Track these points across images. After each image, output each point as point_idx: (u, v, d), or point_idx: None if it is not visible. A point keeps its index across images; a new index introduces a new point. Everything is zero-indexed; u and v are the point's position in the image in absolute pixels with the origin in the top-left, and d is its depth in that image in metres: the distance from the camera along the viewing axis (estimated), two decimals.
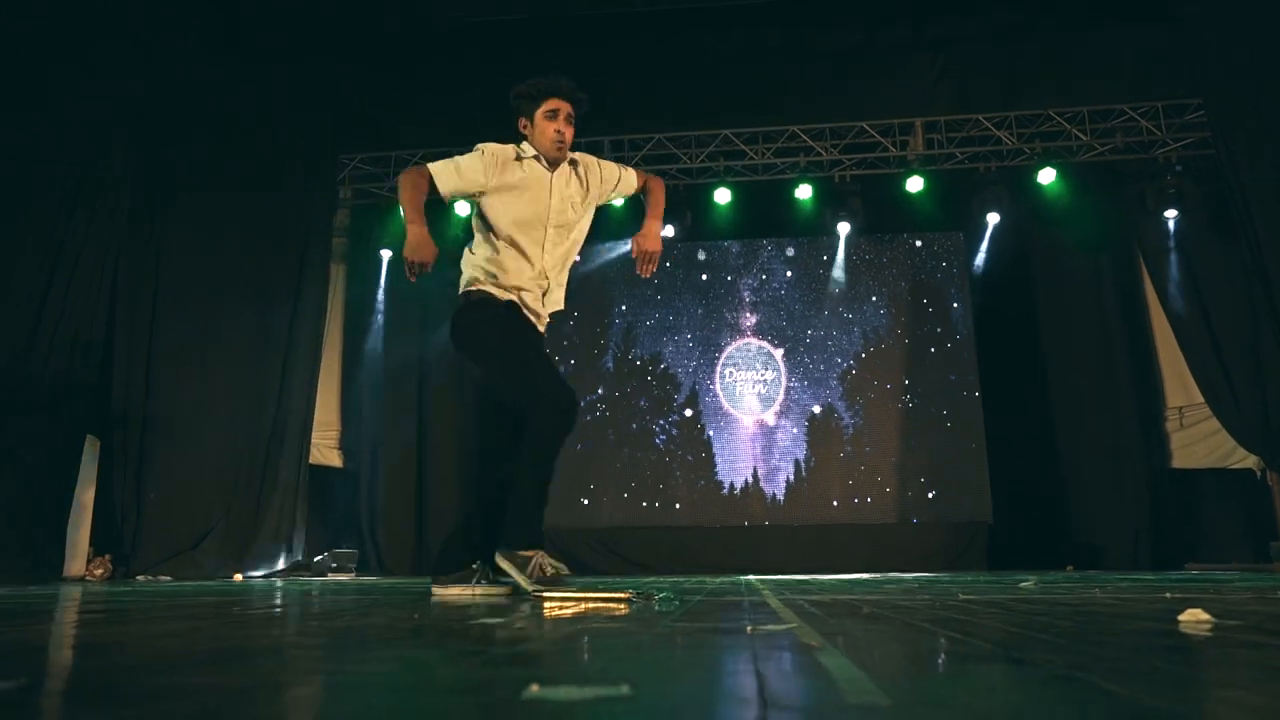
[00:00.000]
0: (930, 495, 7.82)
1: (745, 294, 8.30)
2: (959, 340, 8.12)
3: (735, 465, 7.99)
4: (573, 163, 3.01)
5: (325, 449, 8.31)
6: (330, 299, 7.98)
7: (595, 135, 7.74)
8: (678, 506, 7.94)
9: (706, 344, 8.25)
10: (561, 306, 3.04)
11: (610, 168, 3.13)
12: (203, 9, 6.69)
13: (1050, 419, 8.11)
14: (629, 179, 3.13)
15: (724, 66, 7.56)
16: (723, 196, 7.65)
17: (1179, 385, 7.91)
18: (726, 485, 7.96)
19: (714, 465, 7.99)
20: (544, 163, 2.91)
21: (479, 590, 2.89)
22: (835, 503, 7.86)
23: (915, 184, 7.45)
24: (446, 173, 2.85)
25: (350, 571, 7.08)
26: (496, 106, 7.67)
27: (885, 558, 7.60)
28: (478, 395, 8.64)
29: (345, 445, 8.42)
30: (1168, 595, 2.56)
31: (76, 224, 6.23)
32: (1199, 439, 7.89)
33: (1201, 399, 7.59)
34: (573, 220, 2.99)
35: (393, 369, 8.43)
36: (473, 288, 2.89)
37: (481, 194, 2.88)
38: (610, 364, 8.29)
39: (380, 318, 8.48)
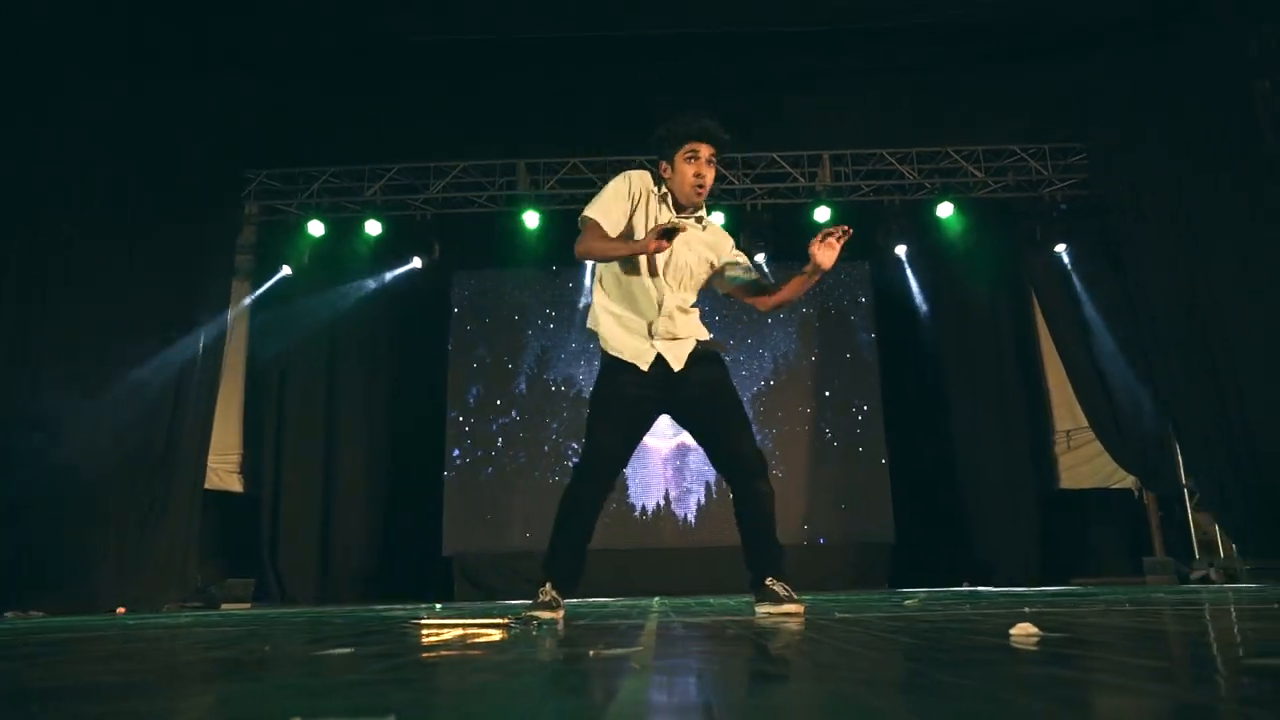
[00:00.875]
0: (835, 517, 8.01)
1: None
2: (864, 366, 8.38)
3: (647, 488, 8.03)
4: (703, 222, 2.87)
5: (224, 473, 7.99)
6: (232, 318, 7.72)
7: (510, 158, 7.76)
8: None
9: None
10: (679, 349, 2.80)
11: (726, 238, 3.00)
12: (102, 26, 6.42)
13: (949, 442, 8.44)
14: (742, 263, 2.98)
15: (639, 95, 7.66)
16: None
17: (1067, 410, 8.34)
18: (638, 508, 7.98)
19: (626, 488, 8.01)
20: (669, 206, 2.79)
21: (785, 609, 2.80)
22: None
23: (823, 214, 7.69)
24: (602, 210, 2.70)
25: (246, 601, 6.79)
26: (409, 124, 7.64)
27: (793, 577, 7.71)
28: (386, 419, 8.49)
29: (247, 470, 8.11)
30: (1026, 610, 2.69)
31: None
32: (1084, 461, 8.32)
33: (1087, 423, 8.03)
34: (692, 281, 2.84)
35: (299, 391, 8.19)
36: (603, 345, 2.80)
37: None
38: (523, 386, 8.25)
39: (286, 338, 8.23)
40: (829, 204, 7.70)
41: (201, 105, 6.85)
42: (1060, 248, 7.81)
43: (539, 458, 8.08)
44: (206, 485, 7.49)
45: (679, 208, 2.81)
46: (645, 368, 2.72)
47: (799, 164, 7.74)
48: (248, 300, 8.11)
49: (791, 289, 2.91)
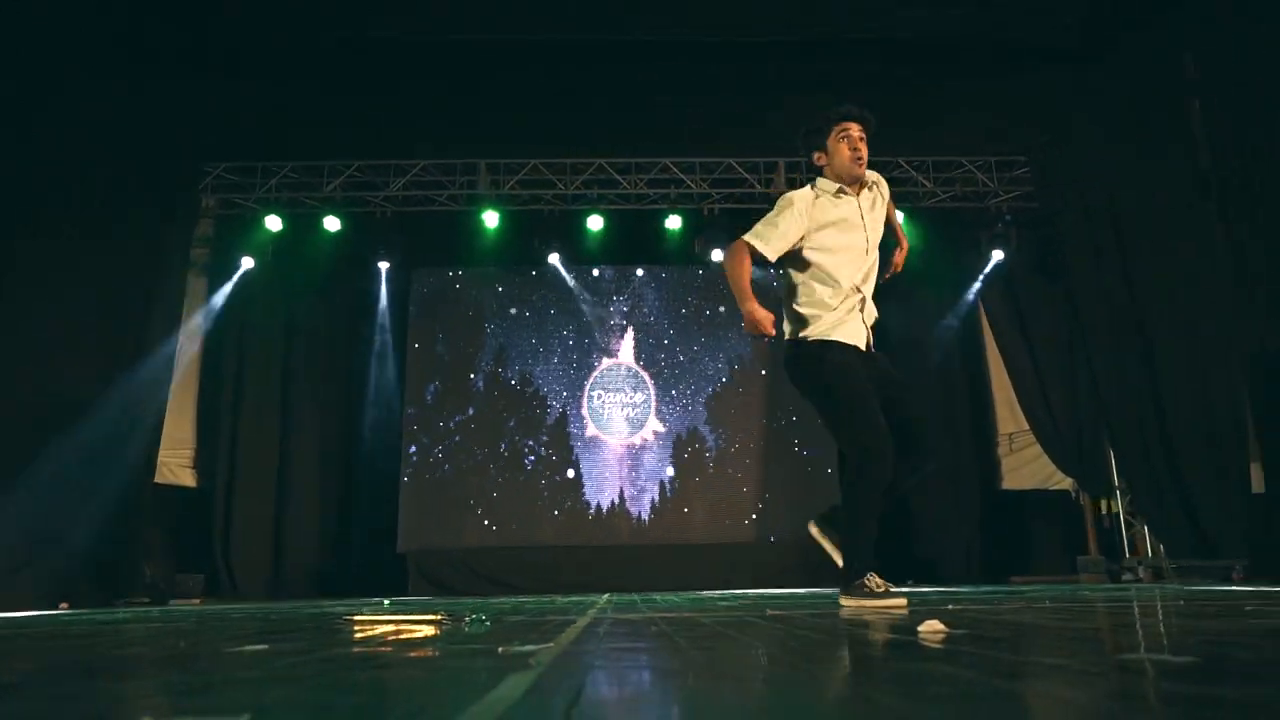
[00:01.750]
0: (786, 515, 8.08)
1: (616, 318, 8.40)
2: None
3: (602, 486, 8.03)
4: (869, 185, 3.04)
5: (177, 468, 7.83)
6: (187, 311, 7.57)
7: (472, 157, 7.71)
8: (544, 527, 7.90)
9: (577, 366, 8.29)
10: (876, 314, 3.05)
11: (883, 183, 3.14)
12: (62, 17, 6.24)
13: None
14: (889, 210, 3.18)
15: (600, 99, 7.66)
16: (595, 223, 7.76)
17: (1009, 413, 8.52)
18: (593, 506, 7.99)
19: (581, 486, 8.00)
20: (849, 193, 2.94)
21: (878, 604, 2.87)
22: (698, 523, 8.02)
23: None
24: (768, 236, 2.86)
25: (197, 597, 6.66)
26: (370, 122, 7.55)
27: (745, 575, 7.79)
28: (342, 415, 8.38)
29: (200, 464, 7.96)
30: (950, 608, 2.74)
31: None
32: (1025, 463, 8.51)
33: (1028, 426, 8.20)
34: (875, 243, 3.02)
35: (255, 386, 8.05)
36: (801, 335, 2.94)
37: (801, 243, 2.89)
38: (481, 384, 8.20)
39: (243, 332, 8.09)
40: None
41: (158, 97, 6.70)
42: (1004, 256, 7.98)
43: (496, 455, 8.04)
44: (158, 479, 7.33)
45: (843, 186, 2.95)
46: (863, 348, 2.92)
47: (755, 170, 7.81)
48: (215, 294, 7.97)
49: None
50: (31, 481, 6.12)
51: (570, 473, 8.04)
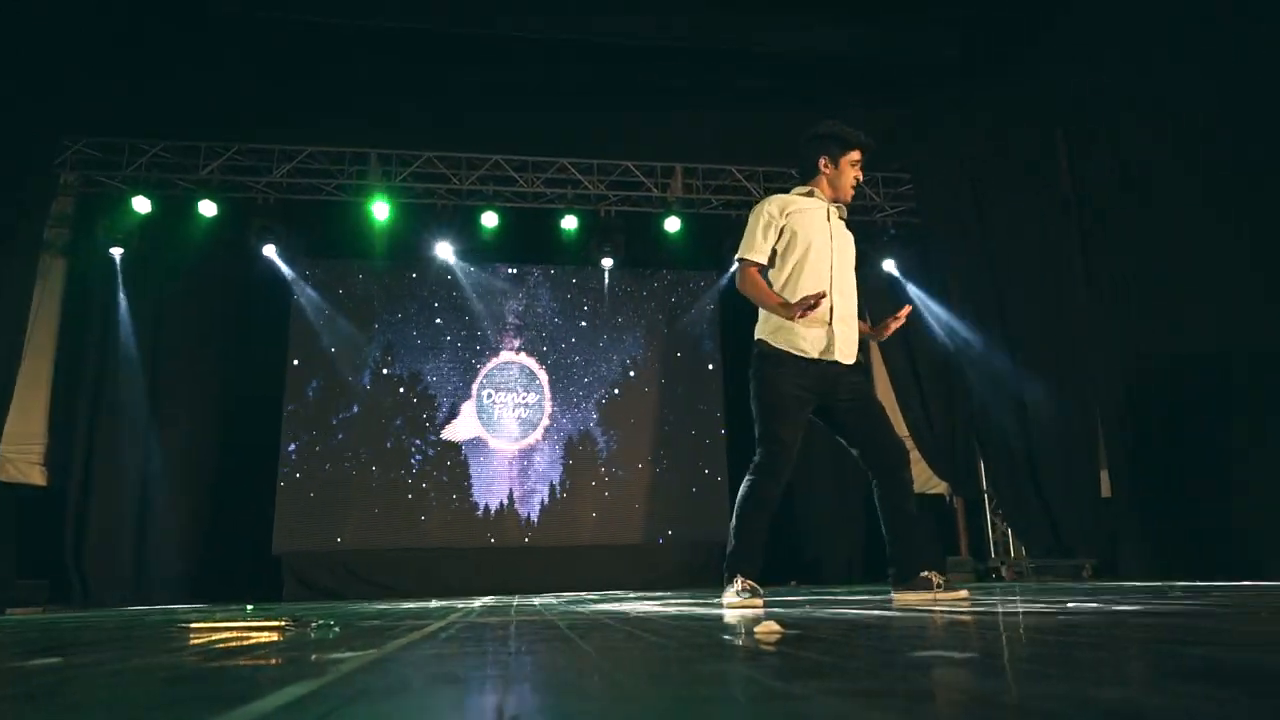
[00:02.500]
0: (676, 516, 8.18)
1: (510, 318, 8.30)
2: (708, 372, 8.61)
3: (491, 487, 7.92)
4: (843, 219, 3.16)
5: (24, 465, 7.23)
6: (40, 296, 7.02)
7: (364, 146, 7.47)
8: (429, 528, 7.72)
9: (469, 365, 8.15)
10: (853, 355, 3.08)
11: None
12: None
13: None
14: None
15: (500, 95, 7.56)
16: (490, 220, 7.64)
17: (892, 420, 8.87)
18: (481, 507, 7.86)
19: (469, 486, 7.86)
20: (820, 199, 3.06)
21: (940, 596, 2.96)
22: (588, 524, 8.01)
23: (673, 224, 7.85)
24: (754, 245, 2.98)
25: (39, 605, 6.16)
26: (250, 104, 7.18)
27: (632, 576, 7.82)
28: (217, 411, 7.95)
29: (52, 461, 7.37)
30: (807, 608, 2.82)
31: None
32: None
33: (908, 433, 8.56)
34: (849, 263, 3.09)
35: (118, 378, 7.52)
36: (758, 336, 3.02)
37: (778, 243, 2.99)
38: (366, 381, 7.94)
39: (106, 320, 7.55)
40: (679, 215, 7.87)
41: (6, 60, 6.19)
42: (889, 267, 8.31)
43: (381, 454, 7.80)
44: (3, 478, 6.77)
45: (816, 191, 3.08)
46: (815, 354, 2.95)
47: (652, 174, 7.87)
48: (75, 278, 7.42)
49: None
50: None
51: (458, 472, 7.89)
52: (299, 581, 7.39)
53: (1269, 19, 4.53)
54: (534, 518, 7.92)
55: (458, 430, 7.98)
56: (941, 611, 2.34)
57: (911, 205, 8.08)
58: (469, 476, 7.90)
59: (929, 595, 2.98)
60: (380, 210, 7.36)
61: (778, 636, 1.64)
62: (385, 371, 7.98)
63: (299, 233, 7.65)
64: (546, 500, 7.98)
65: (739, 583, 2.98)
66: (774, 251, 3.01)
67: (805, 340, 2.94)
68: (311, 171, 7.42)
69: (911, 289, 8.37)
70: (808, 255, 2.97)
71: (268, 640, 2.02)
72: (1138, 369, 5.74)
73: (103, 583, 7.14)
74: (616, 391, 8.36)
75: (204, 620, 2.85)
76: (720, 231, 8.23)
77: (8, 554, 6.90)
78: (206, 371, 7.86)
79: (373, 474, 7.74)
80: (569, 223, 7.80)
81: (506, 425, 8.09)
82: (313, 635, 2.14)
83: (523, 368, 8.25)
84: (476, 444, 7.98)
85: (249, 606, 4.74)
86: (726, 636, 1.71)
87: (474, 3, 6.70)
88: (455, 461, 7.91)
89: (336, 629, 2.37)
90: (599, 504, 8.07)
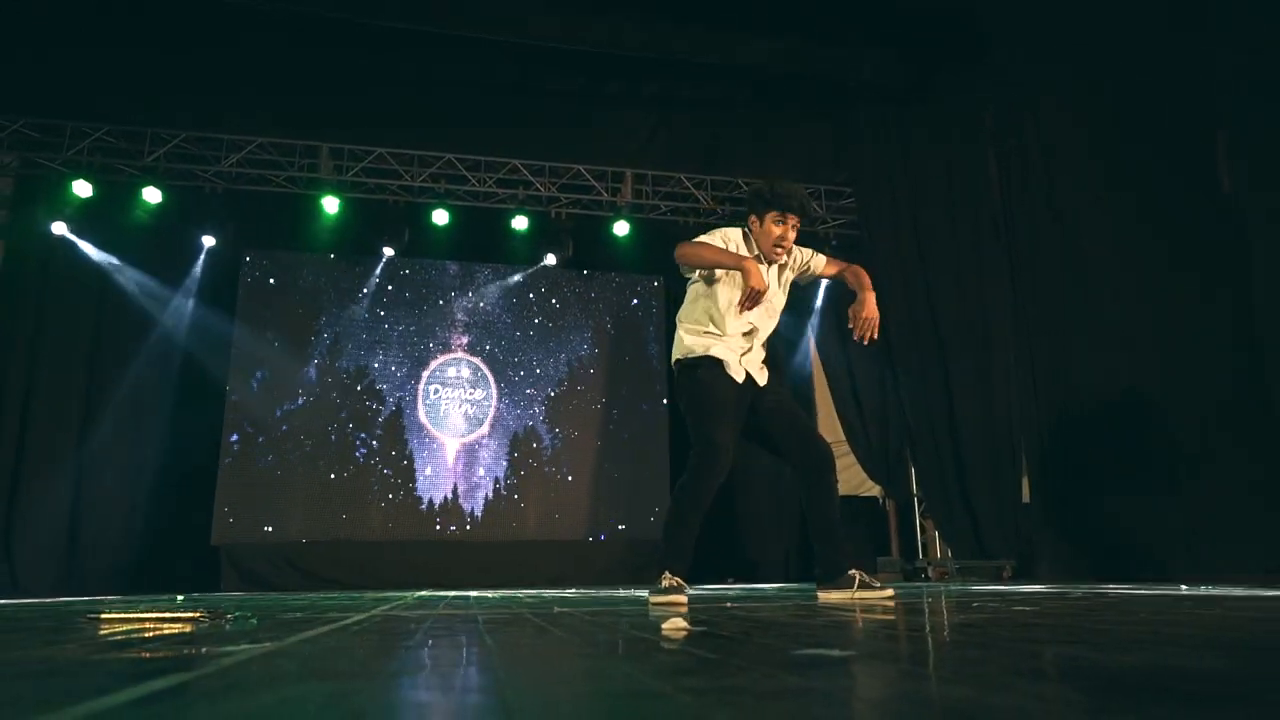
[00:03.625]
0: (618, 514, 8.17)
1: (459, 314, 8.20)
2: (652, 373, 8.63)
3: (436, 481, 7.81)
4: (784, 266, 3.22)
5: None
6: None
7: (314, 140, 7.31)
8: (372, 521, 7.58)
9: (416, 361, 8.03)
10: (762, 368, 3.14)
11: (803, 251, 3.28)
12: None
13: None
14: (819, 262, 3.30)
15: (454, 93, 7.47)
16: (441, 217, 7.54)
17: (829, 425, 8.99)
18: (425, 501, 7.75)
19: (414, 480, 7.75)
20: (763, 259, 3.12)
21: (863, 595, 2.96)
22: (531, 520, 7.95)
23: (622, 228, 7.85)
24: (704, 239, 3.06)
25: None
26: (198, 92, 6.96)
27: (573, 572, 7.80)
28: (156, 399, 7.69)
29: None
30: (728, 605, 2.84)
31: None
32: (841, 470, 8.89)
33: (845, 438, 8.69)
34: (777, 306, 3.19)
35: (53, 363, 7.23)
36: (678, 358, 3.10)
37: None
38: (313, 374, 7.77)
39: (45, 303, 7.24)
40: (628, 219, 7.87)
41: None
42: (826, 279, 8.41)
43: (324, 447, 7.64)
44: None
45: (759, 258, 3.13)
46: (741, 380, 3.02)
47: (603, 178, 7.85)
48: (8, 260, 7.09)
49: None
50: None
51: (403, 466, 7.77)
52: (238, 573, 7.20)
53: (1185, 76, 4.71)
54: (478, 512, 7.84)
55: (403, 424, 7.85)
56: (860, 610, 2.38)
57: (852, 218, 8.20)
58: (414, 471, 7.78)
59: (849, 594, 3.01)
60: (330, 204, 7.20)
61: (684, 634, 1.65)
62: (332, 364, 7.82)
63: (247, 223, 7.45)
64: (490, 495, 7.90)
65: (666, 579, 2.96)
66: (711, 273, 3.08)
67: (726, 360, 3.01)
68: (261, 162, 7.23)
69: (852, 299, 8.49)
70: (729, 299, 3.06)
71: (176, 631, 1.96)
72: (1055, 386, 5.92)
73: (31, 571, 6.85)
74: (562, 390, 8.33)
75: (121, 611, 2.75)
76: (668, 237, 8.23)
77: None
78: (148, 359, 7.59)
79: (316, 466, 7.57)
80: (519, 223, 7.74)
81: (452, 420, 8.00)
82: (227, 627, 2.08)
83: (470, 364, 8.16)
84: (422, 439, 7.87)
85: (179, 597, 4.59)
86: (635, 633, 1.71)
87: (431, 5, 6.60)
88: (400, 455, 7.78)
89: (254, 621, 2.31)
90: (543, 499, 8.03)
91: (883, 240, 7.74)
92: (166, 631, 1.98)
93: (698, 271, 3.11)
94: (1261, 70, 4.15)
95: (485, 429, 8.06)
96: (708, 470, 2.97)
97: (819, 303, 8.69)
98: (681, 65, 7.18)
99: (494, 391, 8.16)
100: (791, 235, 3.13)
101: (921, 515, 8.45)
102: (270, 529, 7.35)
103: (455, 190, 7.60)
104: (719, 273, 3.07)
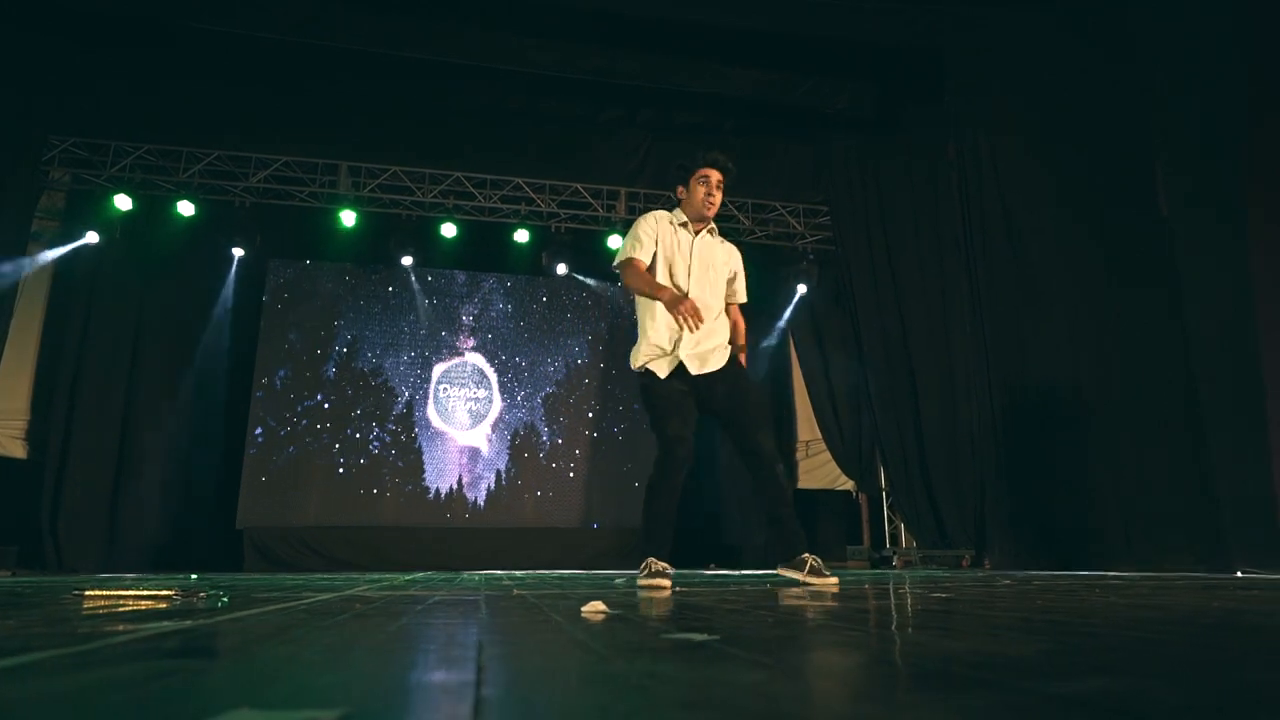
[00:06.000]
0: (610, 504, 8.14)
1: (465, 320, 8.21)
2: None
3: (442, 473, 7.81)
4: (715, 233, 3.12)
5: (6, 439, 6.97)
6: (30, 283, 6.77)
7: (334, 158, 7.33)
8: (384, 508, 7.59)
9: (426, 362, 8.03)
10: (716, 361, 2.98)
11: (734, 260, 3.19)
12: None
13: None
14: (739, 288, 3.18)
15: (462, 117, 7.47)
16: (449, 230, 7.54)
17: (807, 424, 8.94)
18: (433, 491, 7.74)
19: (423, 472, 7.75)
20: (689, 228, 3.05)
21: (807, 576, 2.88)
22: (530, 509, 7.93)
23: (616, 241, 7.82)
24: (639, 245, 2.99)
25: (7, 568, 5.93)
26: (230, 114, 7.00)
27: (568, 556, 7.77)
28: (190, 394, 7.73)
29: (32, 436, 7.11)
30: (681, 589, 2.80)
31: None
32: (818, 466, 8.95)
33: (821, 436, 8.63)
34: (713, 280, 3.04)
35: (99, 361, 7.28)
36: (633, 366, 3.03)
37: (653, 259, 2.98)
38: (331, 373, 7.78)
39: (89, 308, 7.31)
40: (622, 234, 7.84)
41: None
42: (807, 290, 8.38)
43: (341, 440, 7.65)
44: None
45: (693, 223, 3.08)
46: (664, 375, 2.92)
47: (599, 196, 7.84)
48: (58, 268, 7.16)
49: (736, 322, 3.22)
50: None
51: (413, 459, 7.77)
52: (260, 555, 7.21)
53: (1122, 104, 4.66)
54: (481, 502, 7.83)
55: (413, 420, 7.85)
56: (803, 594, 2.34)
57: (828, 234, 8.15)
58: (423, 463, 7.78)
59: (800, 574, 2.96)
60: (347, 217, 7.22)
61: (602, 617, 1.62)
62: (349, 365, 7.83)
63: (272, 235, 7.49)
64: (493, 486, 7.89)
65: (650, 565, 2.95)
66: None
67: (669, 359, 2.96)
68: (286, 179, 7.26)
69: (827, 307, 8.44)
70: (668, 275, 3.00)
71: (148, 608, 1.94)
72: (1008, 389, 5.85)
73: (76, 550, 6.90)
74: (560, 390, 8.31)
75: (117, 587, 2.74)
76: None
77: None
78: (181, 358, 7.64)
79: (333, 458, 7.59)
80: (521, 236, 7.73)
81: (459, 417, 7.99)
82: (198, 604, 2.06)
83: (474, 366, 8.16)
84: (430, 434, 7.87)
85: (193, 576, 4.60)
86: (560, 617, 1.68)
87: (440, 35, 6.61)
88: (410, 449, 7.79)
89: (225, 599, 2.29)
90: (540, 490, 8.01)
91: (855, 254, 7.69)
92: (139, 608, 1.96)
93: (654, 248, 3.08)
94: (1189, 96, 4.10)
95: (488, 425, 8.05)
96: (667, 464, 2.94)
97: (788, 311, 8.63)
98: (673, 93, 7.17)
99: (495, 390, 8.16)
100: (717, 192, 3.07)
101: (889, 508, 8.38)
102: (290, 515, 7.37)
103: (463, 205, 7.60)
104: (655, 271, 3.01)
